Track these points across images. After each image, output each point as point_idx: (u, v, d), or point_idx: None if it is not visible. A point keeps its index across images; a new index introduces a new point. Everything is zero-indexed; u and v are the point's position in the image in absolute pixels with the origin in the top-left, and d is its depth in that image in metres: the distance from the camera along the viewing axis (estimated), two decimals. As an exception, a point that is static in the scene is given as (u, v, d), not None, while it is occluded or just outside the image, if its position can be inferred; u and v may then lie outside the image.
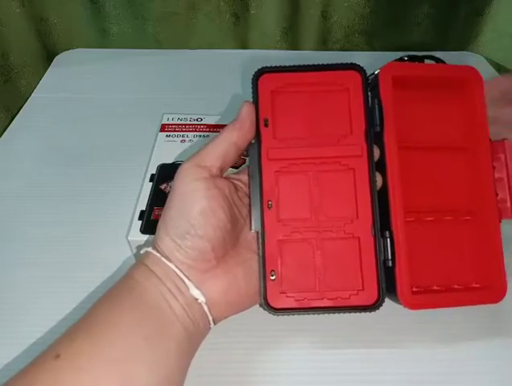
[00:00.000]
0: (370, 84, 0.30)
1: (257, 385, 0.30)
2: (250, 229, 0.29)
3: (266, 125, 0.29)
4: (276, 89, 0.30)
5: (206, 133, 0.44)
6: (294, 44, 0.63)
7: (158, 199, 0.38)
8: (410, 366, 0.31)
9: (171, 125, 0.45)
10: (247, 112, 0.29)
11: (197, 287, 0.27)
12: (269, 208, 0.29)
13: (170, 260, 0.27)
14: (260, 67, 0.30)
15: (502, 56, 0.62)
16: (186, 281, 0.26)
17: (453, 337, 0.32)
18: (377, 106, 0.29)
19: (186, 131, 0.45)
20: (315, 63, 0.30)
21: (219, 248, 0.27)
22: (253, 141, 0.30)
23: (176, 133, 0.44)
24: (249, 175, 0.30)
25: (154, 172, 0.40)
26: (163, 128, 0.45)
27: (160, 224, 0.28)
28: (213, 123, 0.46)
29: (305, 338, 0.32)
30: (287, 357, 0.31)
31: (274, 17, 0.60)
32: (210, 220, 0.27)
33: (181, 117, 0.46)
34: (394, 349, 0.32)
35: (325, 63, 0.30)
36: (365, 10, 0.60)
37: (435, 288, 0.30)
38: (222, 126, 0.45)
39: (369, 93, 0.30)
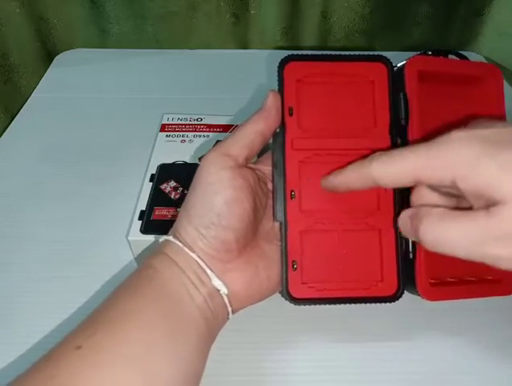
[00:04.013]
0: (394, 77, 0.30)
1: (258, 385, 0.30)
2: (273, 219, 0.29)
3: (290, 114, 0.29)
4: (302, 78, 0.29)
5: (206, 133, 0.44)
6: (294, 44, 0.63)
7: (159, 199, 0.38)
8: (418, 364, 0.31)
9: (171, 125, 0.45)
10: (273, 101, 0.29)
11: (219, 278, 0.26)
12: (292, 198, 0.29)
13: (192, 250, 0.27)
14: (286, 55, 0.30)
15: (502, 56, 0.62)
16: (208, 271, 0.26)
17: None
18: (402, 99, 0.29)
19: (186, 131, 0.45)
20: (342, 53, 0.30)
21: (242, 238, 0.27)
22: (277, 130, 0.29)
23: (176, 133, 0.44)
24: (272, 165, 0.30)
25: (154, 172, 0.40)
26: (163, 128, 0.45)
27: (182, 213, 0.28)
28: (213, 123, 0.46)
29: (308, 337, 0.32)
30: (291, 356, 0.31)
31: (274, 17, 0.60)
32: (235, 210, 0.27)
33: (181, 117, 0.46)
34: (404, 345, 0.32)
35: (352, 53, 0.30)
36: (365, 10, 0.60)
37: (450, 280, 0.30)
38: (222, 126, 0.45)
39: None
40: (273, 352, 0.31)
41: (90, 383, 0.21)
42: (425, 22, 0.61)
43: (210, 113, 0.47)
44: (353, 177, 0.27)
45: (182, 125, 0.45)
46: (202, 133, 0.44)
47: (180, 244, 0.27)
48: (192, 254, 0.26)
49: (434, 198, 0.26)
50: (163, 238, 0.28)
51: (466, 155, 0.22)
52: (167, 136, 0.44)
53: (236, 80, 0.57)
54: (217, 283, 0.26)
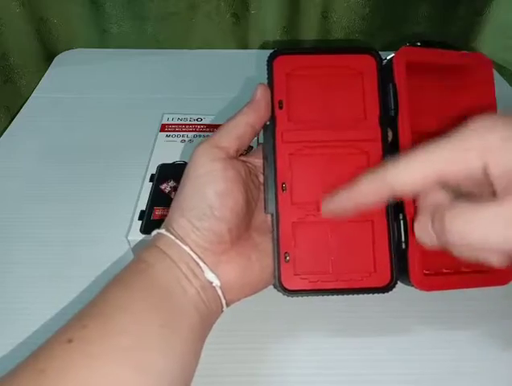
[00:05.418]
0: (383, 69, 0.30)
1: (256, 385, 0.30)
2: (265, 211, 0.29)
3: (280, 108, 0.29)
4: (291, 71, 0.30)
5: (206, 133, 0.44)
6: (294, 44, 0.63)
7: (159, 199, 0.38)
8: (418, 365, 0.31)
9: (171, 125, 0.45)
10: (262, 93, 0.29)
11: (212, 270, 0.26)
12: (283, 191, 0.29)
13: (185, 243, 0.26)
14: (275, 49, 0.30)
15: (502, 56, 0.62)
16: (201, 264, 0.26)
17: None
18: (391, 91, 0.29)
19: (186, 131, 0.45)
20: (331, 46, 0.30)
21: (235, 230, 0.27)
22: (267, 123, 0.29)
23: (176, 133, 0.44)
24: (263, 157, 0.30)
25: (154, 172, 0.40)
26: (163, 128, 0.45)
27: (174, 206, 0.28)
28: (213, 123, 0.46)
29: (305, 338, 0.32)
30: (287, 357, 0.31)
31: (274, 17, 0.60)
32: (227, 202, 0.26)
33: (181, 116, 0.46)
34: (403, 345, 0.32)
35: (340, 46, 0.30)
36: (364, 11, 0.60)
37: (445, 271, 0.30)
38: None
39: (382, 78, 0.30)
40: (270, 353, 0.31)
41: (81, 376, 0.21)
42: (425, 22, 0.61)
43: (210, 113, 0.47)
44: (366, 190, 0.25)
45: (182, 125, 0.46)
46: (202, 133, 0.44)
47: (173, 237, 0.27)
48: (184, 247, 0.26)
49: (447, 201, 0.24)
50: (155, 231, 0.28)
51: (495, 139, 0.21)
52: (167, 136, 0.44)
53: (236, 80, 0.56)
54: (210, 275, 0.26)
